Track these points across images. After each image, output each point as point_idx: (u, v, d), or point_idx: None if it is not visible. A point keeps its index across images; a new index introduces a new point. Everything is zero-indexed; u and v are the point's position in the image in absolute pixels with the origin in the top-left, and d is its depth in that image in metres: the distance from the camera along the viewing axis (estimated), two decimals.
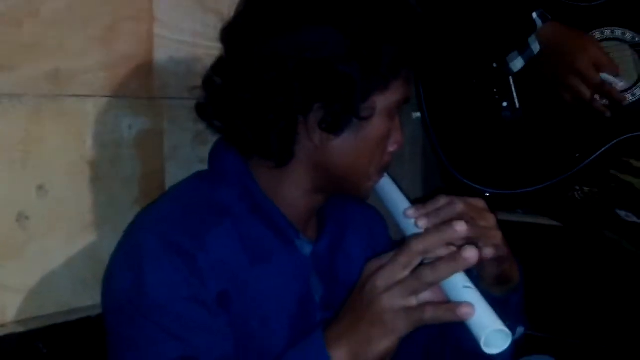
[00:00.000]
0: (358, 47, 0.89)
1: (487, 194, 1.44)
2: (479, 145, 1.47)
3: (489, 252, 0.88)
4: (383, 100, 0.94)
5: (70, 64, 1.08)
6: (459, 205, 0.89)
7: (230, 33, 0.96)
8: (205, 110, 0.98)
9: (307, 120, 0.92)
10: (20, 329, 1.03)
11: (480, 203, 0.93)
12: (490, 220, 0.91)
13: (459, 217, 0.86)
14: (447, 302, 0.78)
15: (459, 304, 0.75)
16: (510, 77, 1.43)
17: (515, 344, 0.99)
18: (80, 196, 1.11)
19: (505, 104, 1.42)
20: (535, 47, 1.36)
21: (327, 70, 0.89)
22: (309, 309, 0.99)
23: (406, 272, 0.78)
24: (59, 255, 1.08)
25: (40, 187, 1.06)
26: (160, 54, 1.20)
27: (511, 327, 0.90)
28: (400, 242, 0.85)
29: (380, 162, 0.99)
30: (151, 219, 0.94)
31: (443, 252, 0.79)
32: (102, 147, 1.13)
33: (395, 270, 0.79)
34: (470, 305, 0.74)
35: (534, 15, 1.35)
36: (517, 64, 1.41)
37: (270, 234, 0.97)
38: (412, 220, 0.89)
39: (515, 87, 1.42)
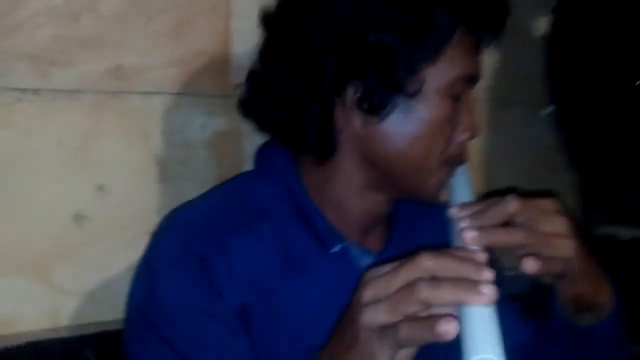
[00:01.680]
0: (396, 12, 0.76)
1: None
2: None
3: (551, 266, 0.71)
4: (435, 75, 0.78)
5: (133, 60, 1.04)
6: (513, 205, 0.71)
7: (266, 15, 0.87)
8: (247, 105, 0.88)
9: (344, 102, 0.79)
10: (71, 334, 0.98)
11: (549, 204, 0.73)
12: (559, 225, 0.71)
13: (510, 220, 0.71)
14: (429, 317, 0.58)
15: (438, 318, 0.56)
16: None
17: None
18: (145, 198, 1.05)
19: None
20: None
21: (359, 42, 0.76)
22: None
23: (400, 285, 0.60)
24: (120, 259, 1.02)
25: (100, 187, 1.02)
26: (238, 49, 1.13)
27: None
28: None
29: (443, 153, 0.82)
30: (173, 223, 0.85)
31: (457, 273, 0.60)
32: (171, 147, 1.07)
33: (388, 282, 0.61)
34: (451, 321, 0.55)
35: None
36: None
37: (310, 240, 0.84)
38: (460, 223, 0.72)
39: None
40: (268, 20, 0.87)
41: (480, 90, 1.36)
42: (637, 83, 1.19)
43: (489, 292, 0.58)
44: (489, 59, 1.38)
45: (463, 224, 0.71)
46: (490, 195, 0.78)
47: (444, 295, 0.58)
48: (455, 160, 0.84)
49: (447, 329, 0.55)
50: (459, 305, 0.58)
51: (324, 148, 0.82)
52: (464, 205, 0.75)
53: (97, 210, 1.02)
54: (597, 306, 0.77)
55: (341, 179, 0.85)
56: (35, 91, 0.97)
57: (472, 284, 0.58)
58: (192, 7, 1.09)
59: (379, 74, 0.77)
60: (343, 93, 0.79)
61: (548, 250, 0.70)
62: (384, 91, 0.77)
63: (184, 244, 0.80)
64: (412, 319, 0.58)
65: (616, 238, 1.52)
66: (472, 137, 0.84)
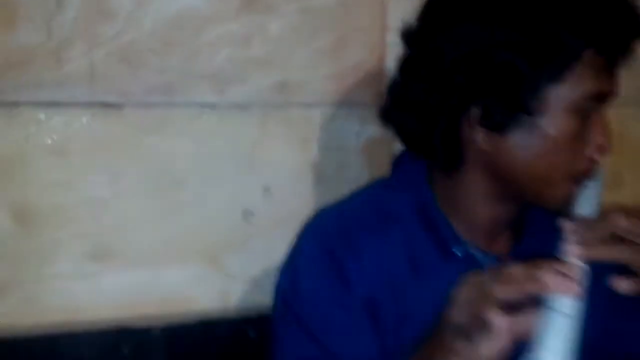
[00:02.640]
0: (522, 35, 0.80)
1: None
2: None
3: None
4: (561, 94, 0.82)
5: (296, 76, 1.17)
6: (620, 221, 0.74)
7: (406, 32, 0.94)
8: (386, 114, 0.97)
9: (469, 119, 0.85)
10: (238, 314, 1.15)
11: None
12: None
13: (618, 237, 0.74)
14: None
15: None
16: None
17: None
18: (303, 198, 1.19)
19: None
20: None
21: (485, 63, 0.81)
22: None
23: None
24: (280, 251, 1.14)
25: (266, 188, 1.17)
26: (392, 63, 1.21)
27: None
28: None
29: (570, 168, 0.85)
30: (313, 225, 0.97)
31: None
32: (328, 153, 1.19)
33: (477, 284, 0.69)
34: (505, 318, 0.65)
35: None
36: None
37: (435, 245, 0.92)
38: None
39: None
40: (407, 36, 0.93)
41: None
42: None
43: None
44: None
45: (570, 237, 0.75)
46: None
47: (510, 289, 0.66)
48: (583, 175, 0.86)
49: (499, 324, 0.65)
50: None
51: (451, 159, 0.89)
52: (578, 218, 0.79)
53: (263, 208, 1.16)
54: None
55: (468, 189, 0.91)
56: (213, 105, 1.13)
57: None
58: (351, 25, 1.19)
59: (502, 94, 0.81)
60: (468, 110, 0.85)
61: None
62: (507, 110, 0.82)
63: (320, 244, 0.92)
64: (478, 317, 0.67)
65: None
66: (601, 153, 0.86)
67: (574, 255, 0.73)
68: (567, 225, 0.77)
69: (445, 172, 0.92)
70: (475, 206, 0.92)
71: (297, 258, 0.94)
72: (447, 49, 0.84)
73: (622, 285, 0.73)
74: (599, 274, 0.77)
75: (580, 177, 0.86)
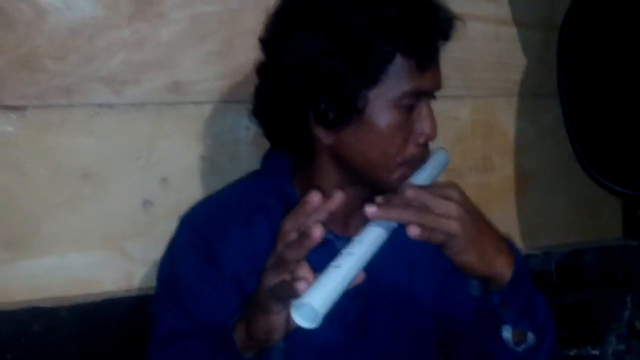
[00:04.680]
0: (341, 44, 0.93)
1: None
2: (623, 138, 1.30)
3: (436, 235, 0.87)
4: (382, 93, 0.95)
5: (188, 76, 1.28)
6: (409, 193, 0.89)
7: (261, 37, 1.07)
8: (254, 113, 1.09)
9: (309, 118, 0.98)
10: (140, 293, 1.27)
11: (447, 192, 0.89)
12: (449, 208, 0.87)
13: (407, 204, 0.88)
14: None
15: (296, 279, 0.78)
16: None
17: (542, 356, 0.92)
18: (200, 187, 1.31)
19: None
20: None
21: (314, 68, 0.94)
22: None
23: (280, 252, 0.82)
24: None
25: (164, 180, 1.28)
26: None
27: (497, 330, 0.86)
28: None
29: (401, 154, 0.99)
30: (191, 215, 1.10)
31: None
32: (221, 146, 1.32)
33: (276, 251, 0.82)
34: (302, 280, 0.77)
35: None
36: None
37: None
38: None
39: None
40: (261, 42, 1.06)
41: (514, 84, 1.51)
42: None
43: (317, 232, 0.77)
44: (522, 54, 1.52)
45: (370, 209, 0.88)
46: None
47: (295, 251, 0.80)
48: (414, 160, 1.00)
49: (298, 286, 0.77)
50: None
51: (303, 152, 1.03)
52: (387, 195, 0.92)
53: (161, 198, 1.28)
54: (492, 277, 0.91)
55: (322, 177, 1.04)
56: (110, 105, 1.24)
57: (306, 234, 0.78)
58: (238, 28, 1.31)
59: (329, 96, 0.95)
60: (307, 111, 0.98)
61: (435, 227, 0.86)
62: (336, 110, 0.95)
63: (194, 232, 1.06)
64: (284, 280, 0.80)
65: None
66: (427, 140, 1.00)
67: (370, 216, 0.86)
68: (377, 198, 0.91)
69: (303, 164, 1.04)
70: (329, 193, 1.04)
71: (175, 244, 1.08)
72: (285, 56, 0.97)
73: (410, 230, 0.86)
74: (427, 249, 0.91)
75: (411, 161, 0.99)
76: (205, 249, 1.02)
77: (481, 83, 1.52)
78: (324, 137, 0.99)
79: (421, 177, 0.99)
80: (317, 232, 0.78)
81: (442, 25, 0.98)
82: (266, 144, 1.31)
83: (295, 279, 0.78)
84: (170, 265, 1.06)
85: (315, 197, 0.82)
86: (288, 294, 0.79)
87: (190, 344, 0.98)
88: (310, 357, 0.98)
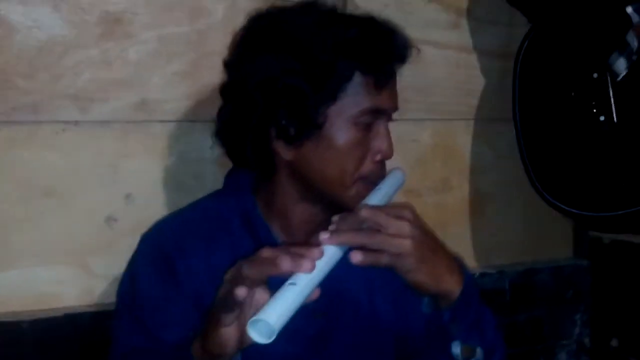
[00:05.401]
0: (301, 63, 0.97)
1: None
2: (572, 162, 1.35)
3: (382, 258, 0.89)
4: (340, 110, 0.99)
5: (155, 95, 1.31)
6: (363, 212, 0.91)
7: (226, 59, 1.11)
8: (217, 133, 1.11)
9: (270, 134, 1.02)
10: (100, 309, 1.28)
11: (400, 212, 0.92)
12: (401, 229, 0.90)
13: (360, 225, 0.91)
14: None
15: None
16: (610, 89, 1.28)
17: None
18: (164, 204, 1.33)
19: (602, 118, 1.29)
20: (634, 44, 1.23)
21: (275, 85, 0.98)
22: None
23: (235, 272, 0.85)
24: None
25: (127, 196, 1.30)
26: None
27: (447, 346, 0.94)
28: None
29: (357, 171, 1.02)
30: (153, 230, 1.13)
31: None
32: (186, 164, 1.34)
33: (237, 266, 0.85)
34: (242, 287, 0.81)
35: (629, 10, 1.24)
36: (620, 65, 1.27)
37: (255, 247, 1.06)
38: None
39: (614, 100, 1.27)
40: (226, 63, 1.10)
41: (472, 109, 1.56)
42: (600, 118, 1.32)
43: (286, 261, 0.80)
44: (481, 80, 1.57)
45: (330, 227, 0.91)
46: None
47: (253, 270, 0.82)
48: (370, 177, 1.03)
49: (239, 292, 0.80)
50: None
51: (264, 169, 1.06)
52: (343, 214, 0.94)
53: (125, 214, 1.30)
54: (442, 294, 0.94)
55: (282, 193, 1.07)
56: (76, 122, 1.26)
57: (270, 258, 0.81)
58: (205, 49, 1.33)
59: (290, 112, 0.99)
60: (269, 126, 1.01)
61: (386, 247, 0.89)
62: (296, 125, 0.99)
63: (155, 246, 1.08)
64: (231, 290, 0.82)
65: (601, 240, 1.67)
66: (383, 158, 1.03)
67: (324, 240, 0.88)
68: (333, 218, 0.94)
69: (264, 181, 1.08)
70: (290, 209, 1.08)
71: (135, 260, 1.10)
72: (249, 76, 1.01)
73: (353, 257, 0.88)
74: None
75: (367, 178, 1.03)
76: (165, 264, 1.04)
77: (441, 107, 1.57)
78: (284, 152, 1.02)
79: (377, 196, 1.01)
80: (285, 266, 0.81)
81: (399, 48, 1.02)
82: (231, 164, 1.35)
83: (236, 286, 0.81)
84: (130, 281, 1.08)
85: (285, 264, 0.82)
86: (234, 302, 0.82)
87: None
88: None
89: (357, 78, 0.99)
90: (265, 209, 1.09)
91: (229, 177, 1.16)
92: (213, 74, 1.33)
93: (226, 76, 1.10)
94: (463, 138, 1.60)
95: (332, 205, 1.05)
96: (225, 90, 1.08)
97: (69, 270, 1.28)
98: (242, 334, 0.84)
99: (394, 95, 1.04)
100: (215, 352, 0.88)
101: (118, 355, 1.03)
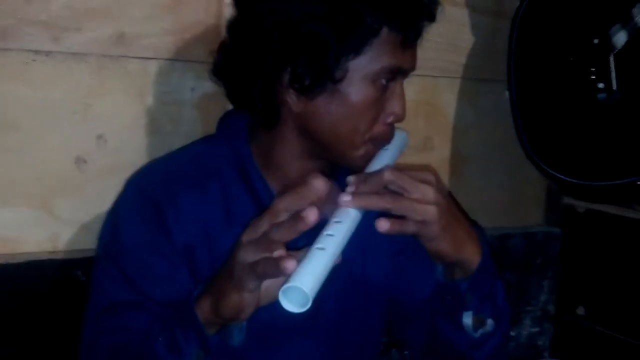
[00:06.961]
0: (328, 9, 0.89)
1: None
2: (566, 128, 1.32)
3: (408, 226, 0.84)
4: (361, 65, 0.92)
5: (134, 28, 1.20)
6: (387, 175, 0.85)
7: None
8: (215, 72, 1.03)
9: (282, 81, 0.93)
10: (67, 256, 1.19)
11: (422, 175, 0.86)
12: (426, 194, 0.84)
13: (385, 187, 0.85)
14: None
15: (283, 258, 0.73)
16: (611, 56, 1.25)
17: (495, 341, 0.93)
18: (138, 147, 1.23)
19: (601, 85, 1.25)
20: (638, 20, 1.19)
21: (295, 30, 0.89)
22: None
23: (265, 229, 0.77)
24: (111, 198, 1.17)
25: (99, 136, 1.20)
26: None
27: (458, 315, 0.89)
28: None
29: (368, 132, 0.96)
30: (140, 176, 1.04)
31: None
32: (163, 106, 1.25)
33: (257, 226, 0.78)
34: (290, 260, 0.73)
35: None
36: (621, 38, 1.23)
37: (249, 198, 1.00)
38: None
39: (615, 67, 1.24)
40: (235, 1, 1.00)
41: (459, 67, 1.50)
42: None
43: (312, 215, 0.73)
44: (470, 37, 1.52)
45: (349, 189, 0.86)
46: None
47: (285, 232, 0.75)
48: (380, 139, 0.97)
49: (286, 265, 0.72)
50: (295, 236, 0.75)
51: (268, 117, 0.98)
52: (361, 175, 0.89)
53: (96, 156, 1.20)
54: (461, 263, 0.90)
55: (282, 145, 1.00)
56: (48, 52, 1.15)
57: (299, 215, 0.74)
58: None
59: (308, 60, 0.91)
60: (282, 73, 0.93)
61: (411, 213, 0.84)
62: (313, 76, 0.91)
63: (143, 192, 0.99)
64: (267, 258, 0.75)
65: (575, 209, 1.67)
66: (396, 120, 0.98)
67: (344, 204, 0.83)
68: (349, 179, 0.88)
69: (264, 130, 1.00)
70: (288, 162, 1.01)
71: (121, 207, 1.01)
72: (265, 15, 0.92)
73: (379, 225, 0.83)
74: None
75: (377, 140, 0.97)
76: (154, 214, 0.96)
77: (427, 62, 1.50)
78: (294, 103, 0.94)
79: (385, 157, 0.97)
80: (313, 218, 0.74)
81: (429, 6, 0.95)
82: (211, 108, 1.27)
83: (282, 257, 0.74)
84: (114, 229, 0.99)
85: (321, 185, 0.77)
86: (272, 272, 0.75)
87: (135, 316, 0.92)
88: (268, 335, 0.95)
89: (384, 33, 0.91)
90: (260, 159, 1.02)
91: (223, 122, 1.08)
92: (198, 10, 1.25)
93: (236, 11, 1.00)
94: (447, 96, 1.55)
95: (335, 164, 1.00)
96: (234, 27, 0.98)
97: (32, 213, 1.18)
98: (260, 299, 0.79)
99: (415, 55, 0.97)
100: (229, 316, 0.81)
101: (100, 309, 0.95)
